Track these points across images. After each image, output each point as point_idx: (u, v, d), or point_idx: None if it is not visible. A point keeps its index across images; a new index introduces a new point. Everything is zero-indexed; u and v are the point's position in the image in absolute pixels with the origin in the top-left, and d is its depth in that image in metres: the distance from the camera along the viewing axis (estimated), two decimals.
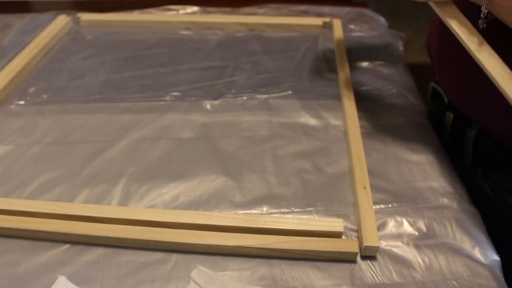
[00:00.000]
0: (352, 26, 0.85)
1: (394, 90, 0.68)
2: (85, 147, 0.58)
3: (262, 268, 0.45)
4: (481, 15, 0.45)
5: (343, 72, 0.69)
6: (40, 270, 0.44)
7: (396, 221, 0.49)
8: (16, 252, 0.46)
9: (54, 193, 0.52)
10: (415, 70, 0.77)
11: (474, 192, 0.55)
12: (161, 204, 0.51)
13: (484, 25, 0.45)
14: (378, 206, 0.51)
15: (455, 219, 0.50)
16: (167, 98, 0.67)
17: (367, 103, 0.66)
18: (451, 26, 0.46)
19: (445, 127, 0.64)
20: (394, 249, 0.47)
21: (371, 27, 0.85)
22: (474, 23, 0.46)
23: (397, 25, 0.91)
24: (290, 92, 0.68)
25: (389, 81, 0.71)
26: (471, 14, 0.46)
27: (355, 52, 0.77)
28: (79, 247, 0.46)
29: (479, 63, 0.44)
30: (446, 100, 0.64)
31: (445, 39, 0.59)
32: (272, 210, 0.50)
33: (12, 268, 0.44)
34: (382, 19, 0.89)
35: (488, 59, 0.43)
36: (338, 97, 0.67)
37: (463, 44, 0.45)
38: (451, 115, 0.63)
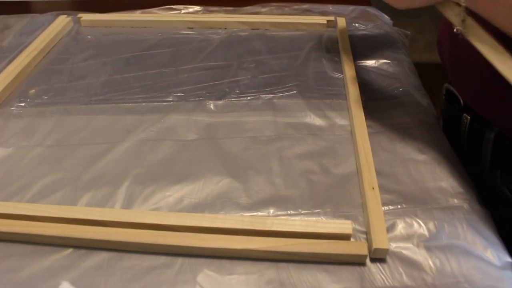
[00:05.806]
0: (356, 25, 0.84)
1: (401, 89, 0.67)
2: (87, 149, 0.57)
3: (269, 271, 0.44)
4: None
5: (349, 71, 0.68)
6: (42, 275, 0.43)
7: (405, 222, 0.48)
8: (17, 257, 0.45)
9: (56, 196, 0.51)
10: (419, 69, 0.76)
11: (493, 195, 0.53)
12: (165, 207, 0.50)
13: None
14: (386, 207, 0.50)
15: (466, 220, 0.48)
16: (170, 98, 0.66)
17: (373, 102, 0.64)
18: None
19: (461, 129, 0.62)
20: (404, 251, 0.45)
21: (376, 26, 0.84)
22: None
23: (400, 23, 0.90)
24: (295, 91, 0.67)
25: (395, 79, 0.69)
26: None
27: (360, 51, 0.76)
28: (82, 252, 0.45)
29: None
30: (462, 101, 0.63)
31: (457, 40, 0.57)
32: (279, 212, 0.49)
33: (13, 273, 0.43)
34: (386, 17, 0.88)
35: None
36: (344, 97, 0.66)
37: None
38: (468, 117, 0.61)
